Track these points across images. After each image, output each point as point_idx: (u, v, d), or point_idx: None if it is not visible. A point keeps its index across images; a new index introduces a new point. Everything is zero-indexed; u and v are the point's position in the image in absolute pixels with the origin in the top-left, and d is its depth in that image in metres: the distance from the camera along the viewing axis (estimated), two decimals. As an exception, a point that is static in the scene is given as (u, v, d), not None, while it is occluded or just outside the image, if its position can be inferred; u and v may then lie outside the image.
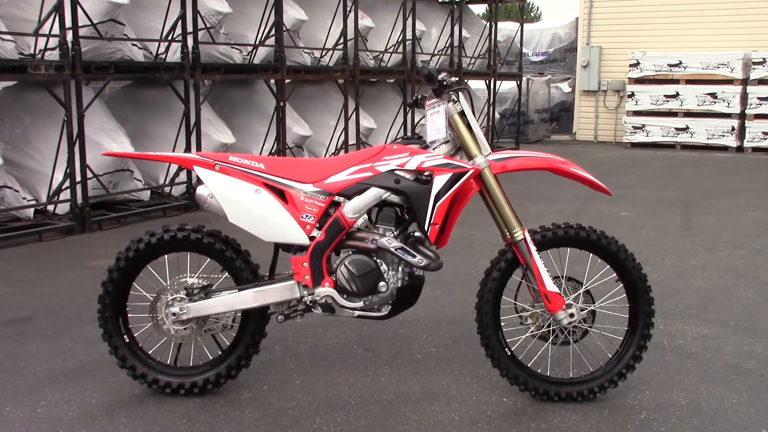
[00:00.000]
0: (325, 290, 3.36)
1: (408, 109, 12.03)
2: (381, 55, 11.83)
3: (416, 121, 11.74)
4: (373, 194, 3.31)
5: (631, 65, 15.55)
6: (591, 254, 3.47)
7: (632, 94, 15.61)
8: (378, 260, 3.35)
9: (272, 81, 9.65)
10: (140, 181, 8.18)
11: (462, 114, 3.36)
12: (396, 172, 3.29)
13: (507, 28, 18.35)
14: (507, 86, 16.93)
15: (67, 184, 7.18)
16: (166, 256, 3.52)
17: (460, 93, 3.38)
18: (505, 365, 3.45)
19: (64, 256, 6.32)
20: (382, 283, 3.35)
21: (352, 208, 3.31)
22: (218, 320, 3.51)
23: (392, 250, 3.28)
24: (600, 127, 17.24)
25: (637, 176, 11.36)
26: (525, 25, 16.89)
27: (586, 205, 8.63)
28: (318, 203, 3.32)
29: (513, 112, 16.38)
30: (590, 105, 17.31)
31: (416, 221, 3.32)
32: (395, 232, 3.35)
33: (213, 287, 3.49)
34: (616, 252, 3.41)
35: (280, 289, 3.39)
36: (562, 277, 3.44)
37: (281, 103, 9.47)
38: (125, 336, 3.49)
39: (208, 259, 3.50)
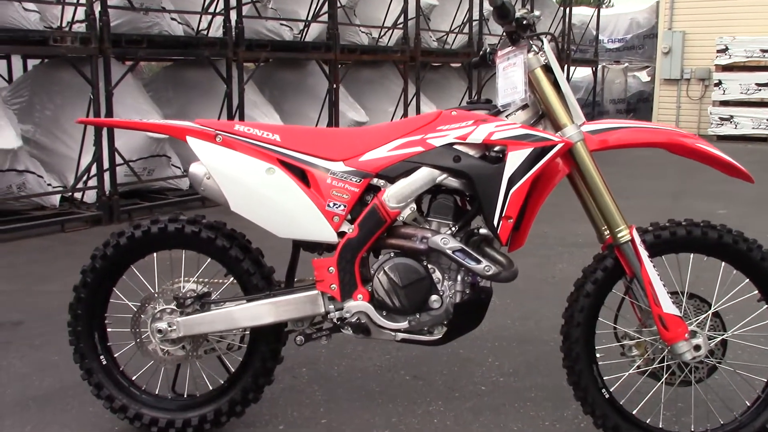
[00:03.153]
0: (358, 304, 2.50)
1: (473, 75, 11.03)
2: (445, 36, 10.91)
3: (482, 82, 10.19)
4: (423, 176, 2.44)
5: (718, 51, 14.26)
6: (722, 263, 2.52)
7: (719, 83, 14.31)
8: (430, 266, 2.48)
9: (325, 63, 8.84)
10: (178, 167, 7.47)
11: (547, 68, 2.45)
12: (456, 146, 2.42)
13: (581, 13, 17.18)
14: (581, 74, 15.80)
15: (94, 170, 6.50)
16: (155, 254, 2.72)
17: (544, 39, 2.47)
18: (602, 411, 2.53)
19: (83, 250, 5.58)
20: (434, 297, 2.47)
21: (395, 195, 2.45)
22: (221, 339, 2.70)
23: (449, 252, 2.40)
24: (682, 119, 15.93)
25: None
26: (601, 10, 15.72)
27: (673, 200, 7.57)
28: (350, 187, 2.47)
29: (587, 102, 15.25)
30: (671, 95, 16.02)
31: (482, 214, 2.44)
32: (453, 229, 2.48)
33: (213, 296, 2.67)
34: (761, 261, 2.46)
35: (299, 301, 2.55)
36: (682, 293, 2.51)
37: (334, 86, 8.65)
38: (102, 357, 2.70)
39: (209, 260, 2.68)
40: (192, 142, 2.54)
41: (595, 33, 15.32)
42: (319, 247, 2.59)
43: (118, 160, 6.58)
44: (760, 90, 13.93)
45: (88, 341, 2.68)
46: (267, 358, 2.64)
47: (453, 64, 11.97)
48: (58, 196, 6.62)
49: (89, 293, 2.65)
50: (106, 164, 6.47)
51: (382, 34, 9.66)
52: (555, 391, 3.08)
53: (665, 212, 6.80)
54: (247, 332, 2.67)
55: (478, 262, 2.39)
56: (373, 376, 3.24)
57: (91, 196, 6.68)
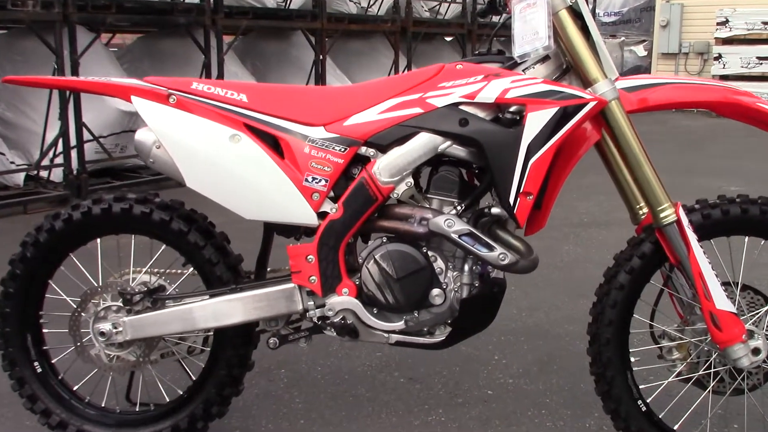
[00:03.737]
0: (343, 300, 2.06)
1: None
2: (437, 5, 10.39)
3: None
4: (422, 144, 1.99)
5: (718, 24, 13.77)
6: (782, 247, 2.09)
7: (719, 57, 13.84)
8: (430, 253, 2.04)
9: (311, 33, 8.33)
10: (154, 144, 6.96)
11: (575, 12, 2.00)
12: (462, 107, 1.97)
13: (576, -15, 16.64)
14: (576, 48, 15.29)
15: (61, 147, 6.01)
16: (98, 240, 2.26)
17: (571, -26, 2.01)
18: (638, 426, 2.10)
19: (46, 233, 5.14)
20: (436, 291, 2.03)
21: (388, 167, 2.00)
22: (180, 341, 2.25)
23: (454, 236, 1.96)
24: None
25: (735, 146, 9.72)
26: (597, -20, 15.22)
27: (680, 178, 7.14)
28: (333, 158, 2.01)
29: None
30: (669, 69, 15.54)
31: (494, 190, 2.00)
32: (459, 208, 2.03)
33: (168, 291, 2.22)
34: (833, 245, 2.02)
35: (271, 297, 2.10)
36: (734, 284, 2.08)
37: (320, 57, 8.15)
38: (36, 363, 2.25)
39: (164, 247, 2.23)
40: (139, 103, 2.07)
41: (591, 6, 14.81)
42: (295, 231, 2.14)
43: (87, 135, 6.08)
44: (761, 64, 13.47)
45: (18, 345, 2.22)
46: (234, 364, 2.19)
47: (447, 37, 11.47)
48: (22, 175, 6.14)
49: (19, 288, 2.20)
50: (73, 140, 5.98)
51: (371, 3, 9.14)
52: (574, 394, 2.66)
53: (673, 192, 6.36)
54: (211, 333, 2.22)
55: (491, 248, 1.94)
56: (362, 379, 2.81)
57: (58, 175, 6.18)
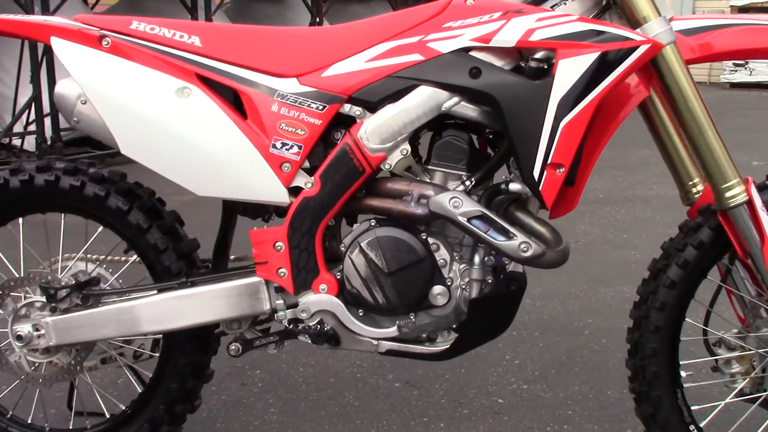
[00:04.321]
0: (321, 300, 1.63)
1: None
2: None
3: None
4: (422, 101, 1.55)
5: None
6: None
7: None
8: (431, 240, 1.60)
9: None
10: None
11: (618, -71, 1.54)
12: (473, 53, 1.52)
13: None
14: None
15: (34, 114, 5.57)
16: (20, 220, 1.84)
17: None
18: (688, 457, 1.68)
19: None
20: (437, 289, 1.60)
21: (378, 131, 1.56)
22: (125, 344, 1.83)
23: (461, 220, 1.52)
24: (692, 66, 14.94)
25: (752, 118, 9.27)
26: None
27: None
28: (308, 118, 1.57)
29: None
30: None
31: (514, 160, 1.57)
32: (468, 183, 1.59)
33: (104, 284, 1.79)
34: None
35: (231, 294, 1.67)
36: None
37: (317, 20, 7.67)
38: (-55, 371, 1.83)
39: (101, 229, 1.80)
40: (60, 47, 1.63)
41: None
42: (262, 211, 1.71)
43: (62, 100, 5.62)
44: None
45: (-77, 348, 1.80)
46: (186, 375, 1.77)
47: None
48: (-8, 144, 5.69)
49: (-77, 278, 1.77)
50: (46, 106, 5.53)
51: (371, -37, 8.64)
52: (600, 404, 2.24)
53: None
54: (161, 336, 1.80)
55: (509, 235, 1.51)
56: (350, 383, 2.39)
57: (31, 143, 5.75)
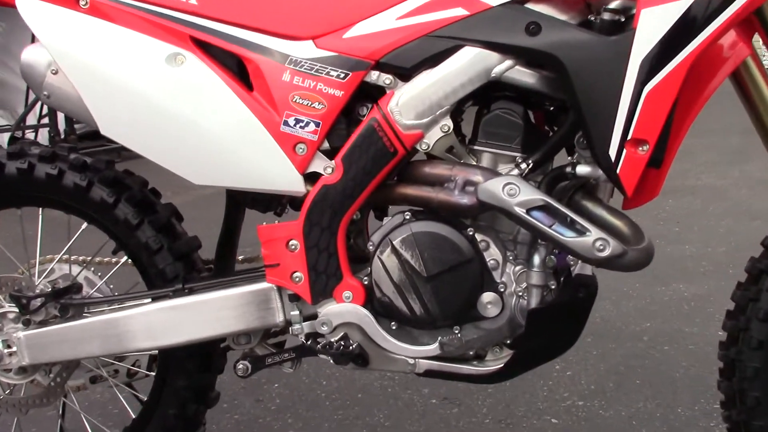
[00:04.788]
0: (345, 310, 1.34)
1: None
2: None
3: None
4: (466, 65, 1.25)
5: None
6: None
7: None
8: (479, 237, 1.30)
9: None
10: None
11: None
12: (529, 5, 1.23)
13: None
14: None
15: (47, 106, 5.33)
16: (-8, 215, 1.57)
17: None
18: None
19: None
20: (488, 296, 1.31)
21: (412, 103, 1.27)
22: (116, 361, 1.56)
23: (518, 211, 1.22)
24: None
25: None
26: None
27: (747, 138, 6.29)
28: (327, 89, 1.28)
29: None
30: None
31: (583, 137, 1.26)
32: (524, 166, 1.28)
33: (90, 291, 1.52)
34: None
35: (237, 303, 1.38)
36: None
37: None
38: None
39: (85, 226, 1.53)
40: (27, 7, 1.35)
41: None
42: (274, 203, 1.43)
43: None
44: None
45: None
46: (187, 399, 1.49)
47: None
48: (5, 136, 5.48)
49: None
50: (59, 97, 5.29)
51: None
52: (670, 425, 1.93)
53: (739, 152, 5.52)
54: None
55: (581, 230, 1.20)
56: (380, 400, 2.10)
57: (45, 137, 5.53)
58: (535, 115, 1.37)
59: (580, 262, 1.31)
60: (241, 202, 1.45)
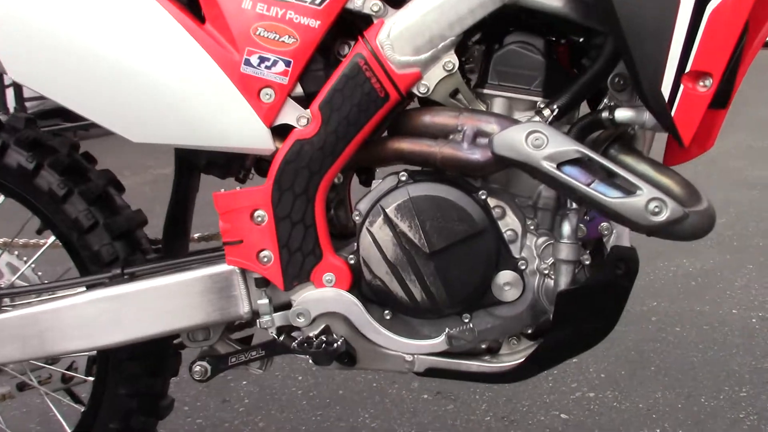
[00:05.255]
0: (326, 296, 1.06)
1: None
2: None
3: None
4: (475, -14, 0.98)
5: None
6: None
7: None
8: (493, 202, 1.04)
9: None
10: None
11: None
12: None
13: None
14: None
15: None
16: None
17: None
18: None
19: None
20: (506, 276, 1.05)
21: (407, 34, 1.00)
22: (46, 365, 1.27)
23: (546, 166, 0.95)
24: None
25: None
26: None
27: (735, 108, 6.10)
28: (300, 18, 1.00)
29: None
30: None
31: (628, 71, 0.99)
32: (546, 112, 1.02)
33: (9, 281, 1.23)
34: None
35: (191, 289, 1.11)
36: None
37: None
38: None
39: (2, 199, 1.24)
40: None
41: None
42: (233, 166, 1.15)
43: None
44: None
45: None
46: (131, 410, 1.21)
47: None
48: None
49: None
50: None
51: None
52: (694, 416, 1.70)
53: (729, 123, 5.29)
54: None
55: (628, 189, 0.94)
56: (364, 396, 1.84)
57: (-7, 116, 5.14)
58: (558, 51, 1.10)
59: (614, 231, 1.06)
60: (193, 166, 1.17)
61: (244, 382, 1.91)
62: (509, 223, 1.05)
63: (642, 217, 0.92)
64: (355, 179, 1.21)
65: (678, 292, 2.43)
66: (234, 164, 1.15)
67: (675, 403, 1.78)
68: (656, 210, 0.92)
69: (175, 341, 1.22)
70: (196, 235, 1.29)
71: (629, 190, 0.93)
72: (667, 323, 2.20)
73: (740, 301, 2.34)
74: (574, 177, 0.94)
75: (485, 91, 1.07)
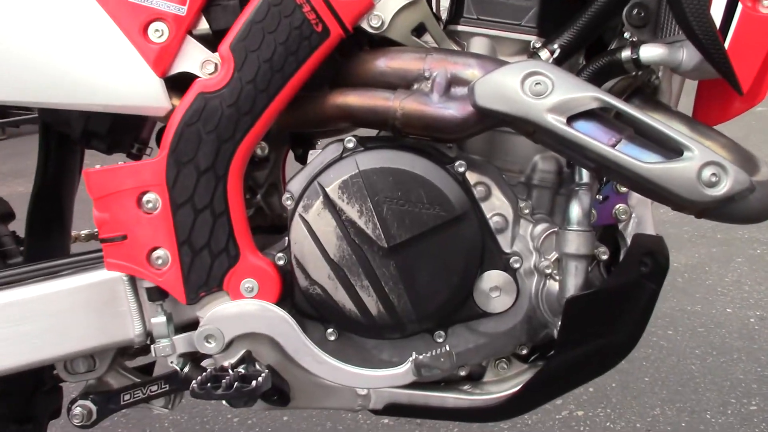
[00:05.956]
0: (245, 311, 0.77)
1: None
2: None
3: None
4: None
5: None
6: None
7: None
8: (473, 177, 0.76)
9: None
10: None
11: None
12: None
13: None
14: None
15: None
16: None
17: None
18: None
19: None
20: (493, 277, 0.76)
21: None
22: None
23: (552, 122, 0.66)
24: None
25: None
26: None
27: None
28: None
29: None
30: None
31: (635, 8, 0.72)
32: (545, 54, 0.74)
33: None
34: None
35: (62, 305, 0.80)
36: None
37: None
38: None
39: None
40: None
41: None
42: (123, 136, 0.84)
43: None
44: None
45: None
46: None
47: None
48: None
49: None
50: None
51: None
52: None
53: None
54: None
55: (672, 149, 0.66)
56: (313, 423, 1.55)
57: None
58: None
59: (633, 215, 0.79)
60: (66, 135, 0.87)
61: (194, 416, 1.60)
62: (496, 206, 0.77)
63: (693, 190, 0.64)
64: (290, 155, 0.92)
65: (665, 290, 2.16)
66: (122, 133, 0.85)
67: (677, 421, 1.52)
68: (713, 180, 0.64)
69: (53, 373, 0.91)
70: (83, 233, 0.98)
71: (672, 150, 0.65)
72: (658, 326, 1.95)
73: (734, 298, 2.11)
74: (592, 135, 0.66)
75: (460, 28, 0.79)
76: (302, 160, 0.91)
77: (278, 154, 0.89)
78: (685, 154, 0.64)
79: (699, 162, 0.63)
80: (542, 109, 0.67)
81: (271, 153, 0.85)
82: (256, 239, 0.81)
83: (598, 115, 0.67)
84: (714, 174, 0.64)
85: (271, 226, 0.89)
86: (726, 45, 0.67)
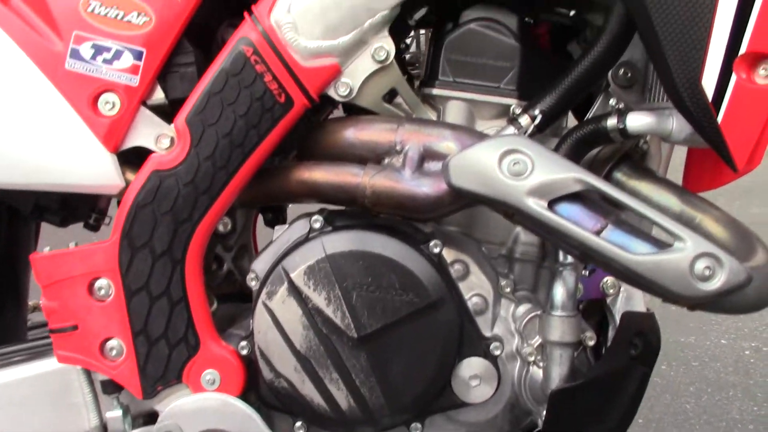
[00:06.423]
0: (205, 404, 0.71)
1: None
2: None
3: None
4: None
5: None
6: None
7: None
8: (450, 256, 0.70)
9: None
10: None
11: None
12: None
13: None
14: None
15: None
16: None
17: None
18: None
19: None
20: (471, 367, 0.71)
21: (316, 5, 0.66)
22: None
23: (531, 207, 0.61)
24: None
25: None
26: None
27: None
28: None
29: None
30: None
31: (649, 56, 0.67)
32: (525, 120, 0.69)
33: None
34: None
35: (12, 398, 0.74)
36: None
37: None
38: None
39: None
40: None
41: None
42: (76, 209, 0.79)
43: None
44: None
45: None
46: None
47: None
48: None
49: None
50: None
51: None
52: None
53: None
54: None
55: (659, 239, 0.61)
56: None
57: None
58: (537, 32, 0.78)
59: (623, 291, 0.74)
60: (20, 210, 0.81)
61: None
62: (475, 285, 0.71)
63: (685, 285, 0.59)
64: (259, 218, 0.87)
65: (658, 320, 2.13)
66: (76, 206, 0.79)
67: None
68: (707, 273, 0.59)
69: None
70: (35, 302, 0.92)
71: (662, 240, 0.60)
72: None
73: (728, 328, 2.06)
74: (575, 221, 0.61)
75: (435, 91, 0.74)
76: (272, 224, 0.86)
77: (248, 217, 0.84)
78: (676, 244, 0.59)
79: (692, 254, 0.58)
80: (522, 191, 0.61)
81: (238, 219, 0.80)
82: (225, 309, 0.76)
83: (583, 197, 0.62)
84: (708, 267, 0.58)
85: (242, 293, 0.83)
86: (719, 119, 0.62)
